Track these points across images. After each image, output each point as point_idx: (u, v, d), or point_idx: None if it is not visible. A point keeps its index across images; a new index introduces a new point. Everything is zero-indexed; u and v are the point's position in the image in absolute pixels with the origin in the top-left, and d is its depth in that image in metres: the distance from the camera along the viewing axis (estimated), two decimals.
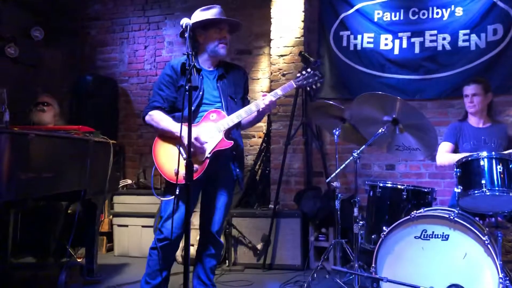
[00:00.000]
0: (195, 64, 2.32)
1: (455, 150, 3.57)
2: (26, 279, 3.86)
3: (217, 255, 2.97)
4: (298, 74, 2.95)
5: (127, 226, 4.80)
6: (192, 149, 2.64)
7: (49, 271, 3.95)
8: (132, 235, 4.78)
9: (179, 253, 3.97)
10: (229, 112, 2.81)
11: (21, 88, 4.81)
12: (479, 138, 3.48)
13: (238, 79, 2.98)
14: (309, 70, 2.95)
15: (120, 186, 4.94)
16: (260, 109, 2.81)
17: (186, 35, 2.40)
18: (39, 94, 4.30)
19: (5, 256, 3.91)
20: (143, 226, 4.74)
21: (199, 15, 2.81)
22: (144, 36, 5.85)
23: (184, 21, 2.45)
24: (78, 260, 4.12)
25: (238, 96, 2.94)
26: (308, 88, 3.04)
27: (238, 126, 2.92)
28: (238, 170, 2.92)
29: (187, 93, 2.28)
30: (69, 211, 4.23)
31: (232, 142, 2.78)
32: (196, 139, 2.66)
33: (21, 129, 2.95)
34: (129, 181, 5.18)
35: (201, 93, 2.80)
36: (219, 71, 2.91)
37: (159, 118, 2.79)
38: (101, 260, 4.06)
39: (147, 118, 2.83)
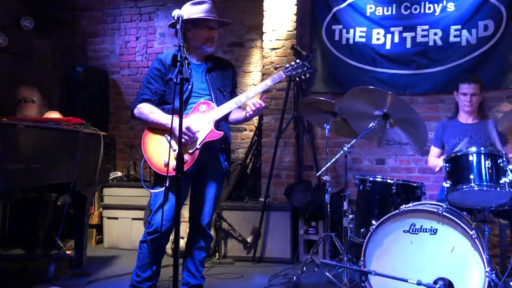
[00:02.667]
0: (186, 56, 2.32)
1: (443, 148, 3.64)
2: (15, 270, 3.85)
3: (206, 247, 2.98)
4: (287, 65, 2.95)
5: (117, 218, 4.79)
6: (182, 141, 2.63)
7: (38, 263, 3.95)
8: (122, 227, 4.76)
9: (169, 246, 3.97)
10: (218, 105, 2.81)
11: (10, 78, 4.75)
12: (466, 134, 3.50)
13: (226, 73, 2.98)
14: (298, 61, 2.95)
15: (110, 178, 4.93)
16: (248, 114, 2.79)
17: (178, 26, 2.38)
18: (18, 88, 4.22)
19: None
20: (133, 219, 4.73)
21: (189, 9, 2.78)
22: (135, 27, 5.81)
23: (176, 12, 2.44)
24: (67, 252, 4.11)
25: (226, 89, 2.94)
26: (298, 79, 3.03)
27: (227, 118, 2.92)
28: (226, 162, 2.93)
29: (177, 85, 2.27)
30: (58, 203, 4.21)
31: (222, 133, 2.78)
32: (187, 128, 2.66)
33: (10, 120, 2.93)
34: (119, 173, 5.17)
35: (190, 85, 2.79)
36: (208, 64, 2.90)
37: (149, 111, 2.77)
38: (91, 253, 4.05)
39: (135, 111, 2.81)
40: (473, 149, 2.79)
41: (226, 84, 2.96)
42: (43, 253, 4.09)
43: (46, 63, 5.53)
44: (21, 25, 5.05)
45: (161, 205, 2.65)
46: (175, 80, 2.29)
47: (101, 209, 4.89)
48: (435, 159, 3.58)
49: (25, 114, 4.04)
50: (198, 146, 2.72)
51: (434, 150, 3.68)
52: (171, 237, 3.06)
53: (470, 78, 3.56)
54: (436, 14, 4.46)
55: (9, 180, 2.80)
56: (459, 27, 4.37)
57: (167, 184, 2.50)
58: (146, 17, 5.80)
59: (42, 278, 3.43)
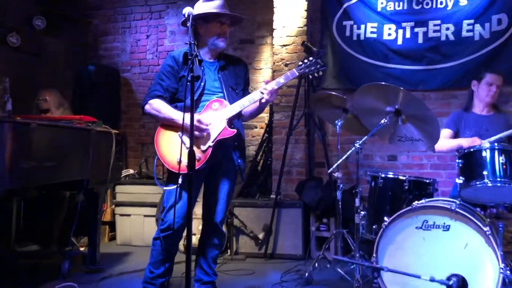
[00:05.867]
0: (197, 54, 2.32)
1: (456, 138, 3.57)
2: (30, 267, 3.90)
3: (219, 245, 2.99)
4: (300, 63, 2.94)
5: (129, 215, 4.83)
6: (195, 138, 2.64)
7: (52, 260, 3.99)
8: (134, 224, 4.80)
9: (181, 243, 3.99)
10: (231, 102, 2.81)
11: (24, 77, 4.81)
12: (481, 126, 3.47)
13: (239, 71, 2.98)
14: (311, 58, 2.95)
15: (122, 175, 4.96)
16: (264, 99, 2.80)
17: (188, 24, 2.38)
18: (40, 93, 4.29)
19: (9, 244, 3.95)
20: (145, 216, 4.77)
21: (201, 6, 2.80)
22: (146, 26, 5.84)
23: (187, 10, 2.43)
24: (81, 249, 4.15)
25: (239, 87, 2.94)
26: (311, 77, 3.01)
27: (240, 116, 2.92)
28: (240, 160, 2.93)
29: (189, 83, 2.27)
30: (74, 201, 4.25)
31: (235, 130, 2.78)
32: (198, 121, 2.65)
33: (24, 118, 2.96)
34: (131, 171, 5.21)
35: (202, 83, 2.79)
36: (220, 62, 2.91)
37: (160, 106, 2.77)
38: (104, 249, 4.08)
39: (146, 107, 2.82)
40: (487, 144, 2.77)
41: (239, 82, 2.96)
42: (57, 250, 4.14)
43: (58, 62, 5.57)
44: (33, 24, 5.10)
45: (174, 202, 2.66)
46: (187, 77, 2.29)
47: (113, 206, 4.94)
48: (447, 139, 3.49)
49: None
50: (211, 144, 2.72)
51: (446, 132, 3.56)
52: (184, 234, 3.08)
53: (496, 70, 3.61)
54: (448, 8, 4.41)
55: (23, 178, 2.84)
56: (472, 21, 4.32)
57: (180, 182, 2.52)
58: (156, 15, 5.83)
59: (56, 275, 3.47)
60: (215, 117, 2.76)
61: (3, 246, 4.08)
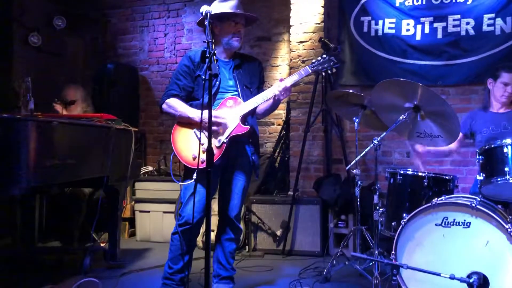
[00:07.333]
0: (215, 52, 2.35)
1: (473, 138, 3.51)
2: (52, 262, 3.98)
3: (236, 239, 3.02)
4: (314, 60, 2.96)
5: (148, 212, 4.89)
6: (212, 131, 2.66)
7: (74, 255, 4.06)
8: (154, 220, 4.86)
9: (199, 239, 4.03)
10: (245, 100, 2.85)
11: (45, 76, 4.89)
12: (498, 123, 3.38)
13: (253, 70, 3.02)
14: (324, 56, 2.96)
15: (141, 172, 5.02)
16: (277, 97, 2.82)
17: (206, 23, 2.40)
18: (63, 87, 4.38)
19: (32, 240, 4.03)
20: (164, 212, 4.82)
21: (217, 6, 2.82)
22: (164, 24, 5.89)
23: (204, 8, 2.46)
24: (102, 245, 4.22)
25: (253, 85, 2.98)
26: (324, 73, 3.02)
27: (254, 113, 2.95)
28: (254, 156, 2.96)
29: (207, 80, 2.30)
30: (93, 197, 4.32)
31: (248, 127, 2.82)
32: (215, 116, 2.68)
33: (45, 117, 3.02)
34: (150, 168, 5.27)
35: (218, 82, 2.83)
36: (235, 61, 2.95)
37: (176, 105, 2.83)
38: (124, 245, 4.14)
39: (163, 106, 2.88)
40: (508, 140, 2.72)
41: (253, 80, 3.00)
42: (78, 246, 4.21)
43: (78, 61, 5.66)
44: (54, 24, 5.19)
45: (193, 197, 2.69)
46: (203, 76, 2.32)
47: (133, 202, 5.00)
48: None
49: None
50: (225, 140, 2.77)
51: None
52: (202, 229, 3.12)
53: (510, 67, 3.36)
54: (469, 2, 4.35)
55: (46, 175, 2.88)
56: (492, 15, 4.25)
57: (194, 177, 2.55)
58: (174, 13, 5.86)
59: (78, 270, 3.53)
60: (229, 114, 2.79)
61: (26, 242, 4.17)
